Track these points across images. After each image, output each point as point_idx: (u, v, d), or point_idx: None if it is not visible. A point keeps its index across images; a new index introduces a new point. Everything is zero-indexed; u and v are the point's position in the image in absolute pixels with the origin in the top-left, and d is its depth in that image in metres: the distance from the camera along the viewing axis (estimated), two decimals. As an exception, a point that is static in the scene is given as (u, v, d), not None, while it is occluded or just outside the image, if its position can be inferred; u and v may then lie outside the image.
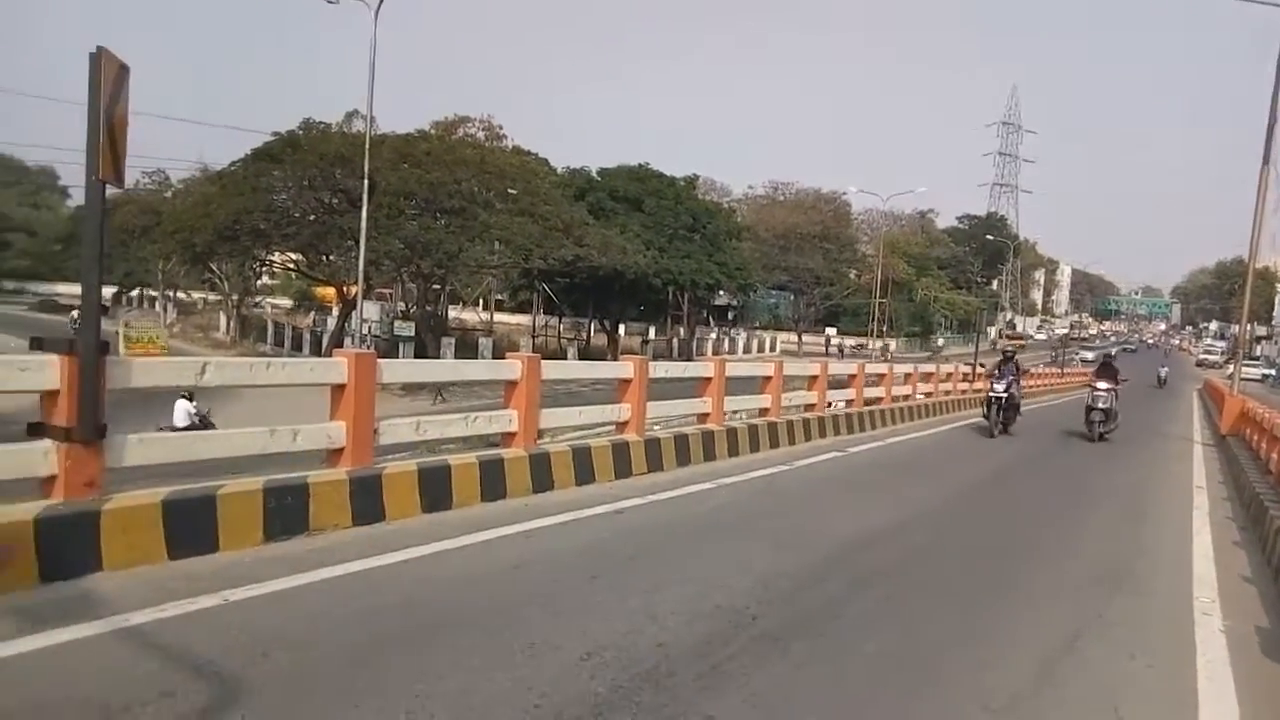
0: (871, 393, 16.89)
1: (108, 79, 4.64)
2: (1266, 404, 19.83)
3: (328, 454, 6.48)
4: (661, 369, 10.37)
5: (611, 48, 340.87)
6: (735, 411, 12.20)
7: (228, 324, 51.91)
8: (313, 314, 55.04)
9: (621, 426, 9.37)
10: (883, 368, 19.18)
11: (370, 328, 36.65)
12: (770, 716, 3.67)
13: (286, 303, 67.35)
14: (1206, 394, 36.35)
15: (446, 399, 27.58)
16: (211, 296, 64.26)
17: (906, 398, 18.62)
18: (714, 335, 60.73)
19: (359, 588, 4.89)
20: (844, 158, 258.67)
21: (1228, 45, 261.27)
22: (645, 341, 53.62)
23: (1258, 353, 74.05)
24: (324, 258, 38.98)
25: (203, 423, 16.53)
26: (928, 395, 20.24)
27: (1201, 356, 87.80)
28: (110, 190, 4.93)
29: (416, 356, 31.72)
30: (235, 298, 53.20)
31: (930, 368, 22.33)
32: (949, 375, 23.20)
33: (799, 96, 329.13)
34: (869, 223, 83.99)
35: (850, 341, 67.18)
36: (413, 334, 36.31)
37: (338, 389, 6.46)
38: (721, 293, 57.23)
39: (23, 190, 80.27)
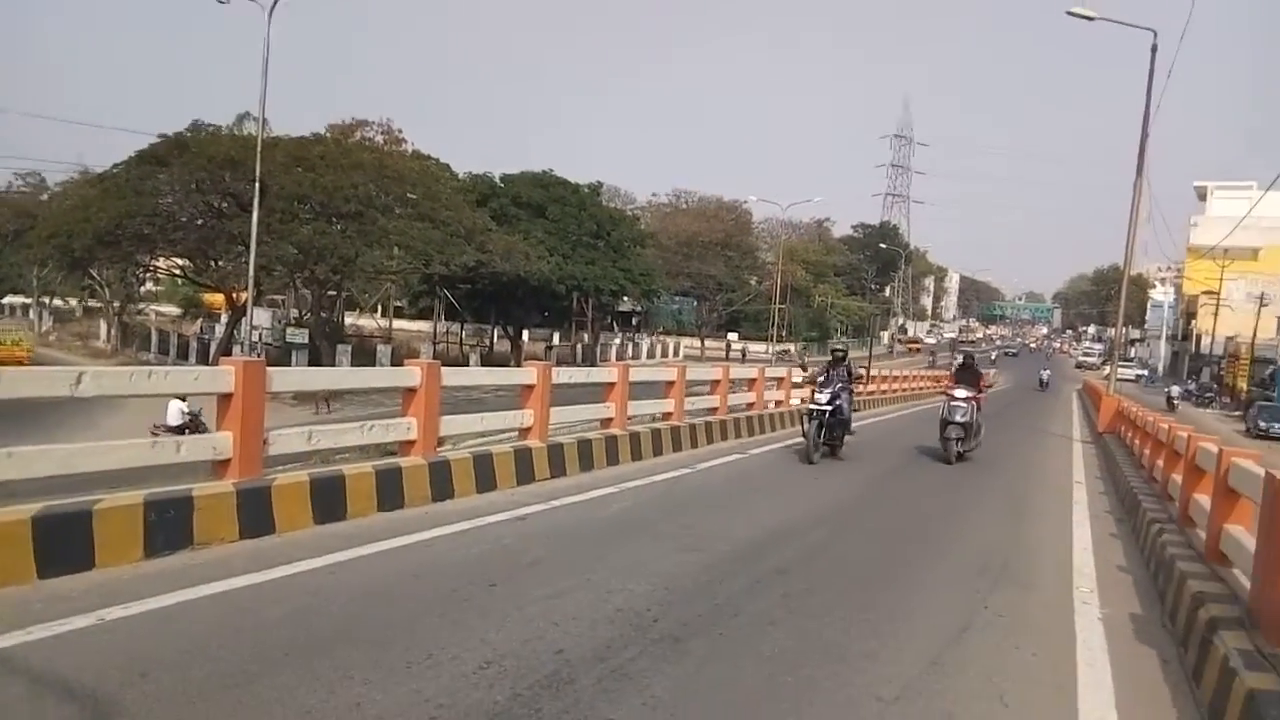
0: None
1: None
2: (1140, 403, 21.10)
3: (214, 465, 6.23)
4: (565, 375, 10.32)
5: (513, 54, 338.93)
6: (639, 416, 12.24)
7: (108, 332, 49.54)
8: (200, 321, 53.11)
9: (525, 433, 9.29)
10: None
11: (261, 335, 35.49)
12: (670, 718, 3.68)
13: (173, 310, 64.80)
14: (1085, 394, 38.24)
15: (333, 409, 26.77)
16: (91, 303, 61.14)
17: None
18: (618, 341, 60.99)
19: (245, 602, 4.69)
20: (745, 166, 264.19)
21: (1108, 62, 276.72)
22: (549, 347, 53.40)
23: (1132, 354, 78.31)
24: (213, 263, 37.70)
25: (194, 422, 15.80)
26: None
27: (1080, 358, 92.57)
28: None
29: (311, 364, 30.76)
30: (117, 305, 50.86)
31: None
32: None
33: (701, 102, 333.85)
34: (769, 231, 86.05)
35: (756, 347, 68.22)
36: (306, 341, 35.32)
37: (224, 398, 6.23)
38: (626, 299, 57.53)
39: None
